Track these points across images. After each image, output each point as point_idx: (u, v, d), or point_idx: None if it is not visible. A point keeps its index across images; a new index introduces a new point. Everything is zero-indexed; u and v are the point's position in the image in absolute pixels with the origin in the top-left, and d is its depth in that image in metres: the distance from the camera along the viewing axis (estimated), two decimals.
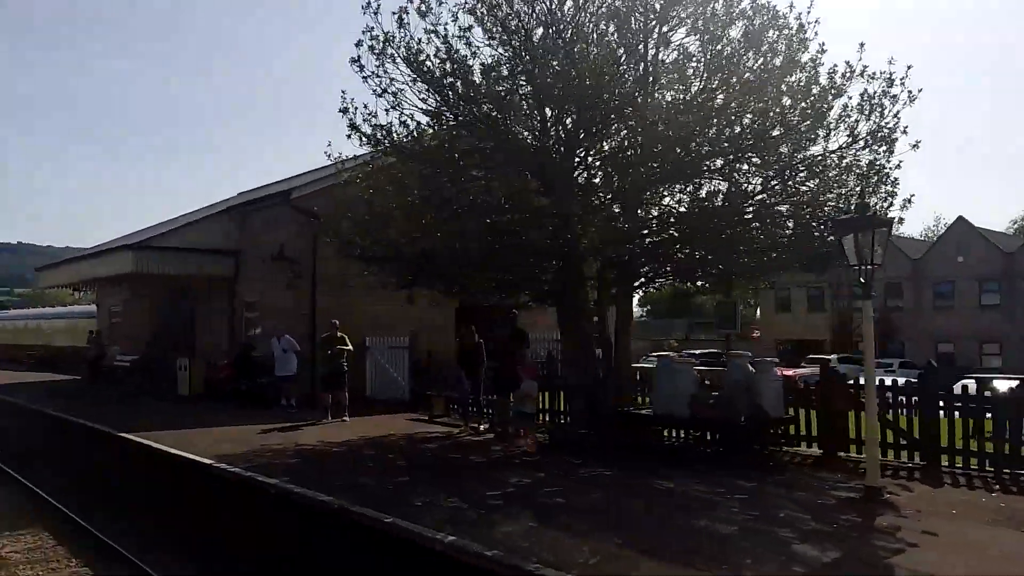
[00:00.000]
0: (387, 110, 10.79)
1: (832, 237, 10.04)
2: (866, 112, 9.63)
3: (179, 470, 10.60)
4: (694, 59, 9.95)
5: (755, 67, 9.76)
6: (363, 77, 10.57)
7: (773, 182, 9.83)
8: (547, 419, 12.81)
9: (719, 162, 9.85)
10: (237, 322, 19.67)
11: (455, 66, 10.35)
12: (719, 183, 10.44)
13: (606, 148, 10.85)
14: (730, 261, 10.49)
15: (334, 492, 8.00)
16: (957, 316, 41.96)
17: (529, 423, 11.14)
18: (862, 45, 9.61)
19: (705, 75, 9.79)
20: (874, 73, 9.66)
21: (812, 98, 9.55)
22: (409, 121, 10.94)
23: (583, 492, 8.04)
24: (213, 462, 9.99)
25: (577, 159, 10.81)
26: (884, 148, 9.80)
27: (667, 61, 10.25)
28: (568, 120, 10.71)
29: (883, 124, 9.61)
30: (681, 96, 9.75)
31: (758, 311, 53.77)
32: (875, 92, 9.61)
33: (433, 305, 19.38)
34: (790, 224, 10.33)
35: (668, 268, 10.93)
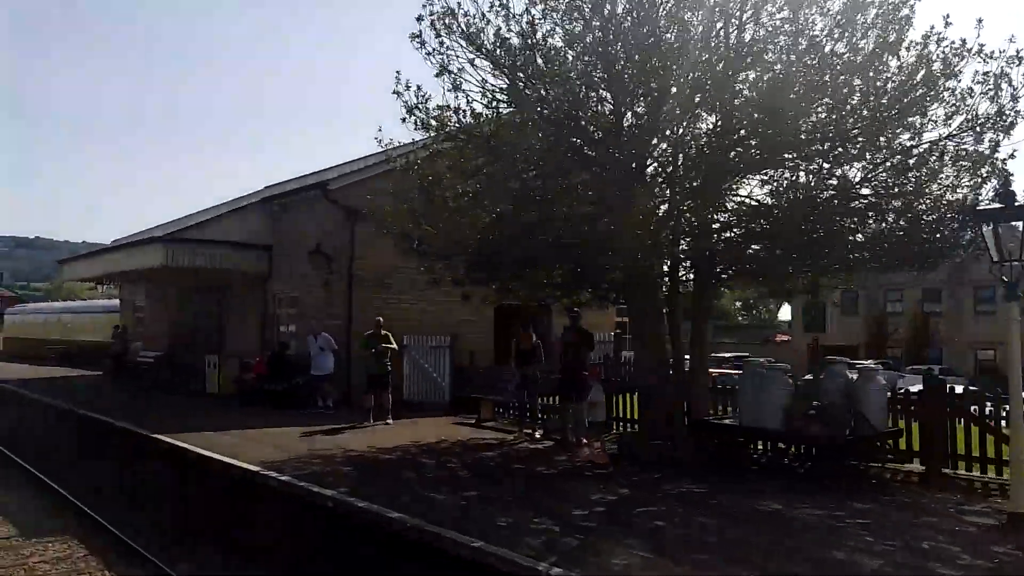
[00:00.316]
0: (448, 90, 9.96)
1: (941, 232, 9.17)
2: (983, 95, 8.69)
3: (219, 476, 9.81)
4: (788, 36, 9.03)
5: (859, 44, 8.84)
6: (425, 54, 9.77)
7: (879, 171, 8.90)
8: (615, 427, 11.95)
9: (819, 148, 8.91)
10: (269, 319, 18.91)
11: (524, 41, 9.52)
12: (811, 172, 9.50)
13: (683, 134, 9.95)
14: (822, 258, 9.57)
15: (402, 508, 7.17)
16: (999, 322, 40.63)
17: (597, 431, 10.26)
18: (980, 21, 8.68)
19: (802, 52, 8.88)
20: (992, 52, 8.73)
21: (922, 78, 8.63)
22: (474, 103, 10.11)
23: (683, 514, 7.16)
24: (259, 469, 9.19)
25: (650, 146, 9.92)
26: (1000, 135, 8.86)
27: (757, 37, 9.33)
28: (641, 106, 9.85)
29: (1003, 108, 8.67)
30: (777, 75, 8.83)
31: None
32: (992, 72, 8.67)
33: (470, 305, 18.65)
34: (890, 218, 9.38)
35: (749, 266, 10.00)
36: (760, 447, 9.69)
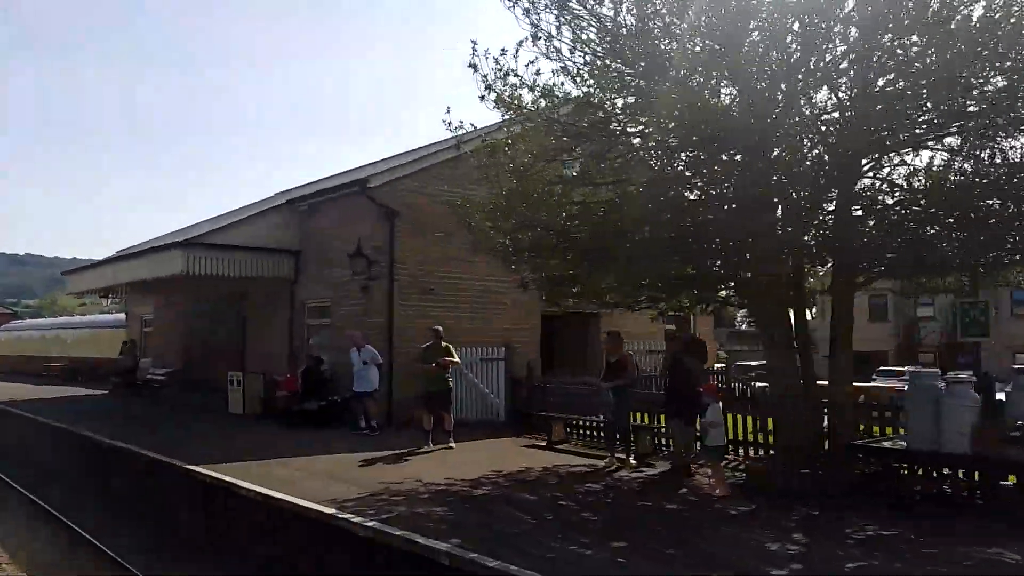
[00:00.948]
0: (548, 56, 8.44)
1: None
2: None
3: (285, 519, 8.21)
4: None
5: None
6: (523, 9, 8.25)
7: None
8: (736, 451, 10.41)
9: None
10: (297, 331, 17.31)
11: (643, 25, 7.99)
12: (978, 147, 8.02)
13: (817, 101, 8.44)
14: (991, 248, 8.07)
15: (544, 568, 5.62)
16: None
17: (717, 457, 8.72)
18: None
19: None
20: None
21: None
22: (573, 77, 8.61)
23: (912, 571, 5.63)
24: (335, 511, 7.61)
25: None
26: None
27: None
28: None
29: None
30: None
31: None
32: None
33: (515, 312, 17.14)
34: None
35: (904, 259, 8.48)
36: (932, 475, 8.12)
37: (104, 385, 27.77)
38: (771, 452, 9.61)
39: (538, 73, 8.56)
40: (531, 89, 8.98)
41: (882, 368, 35.11)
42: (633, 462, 10.36)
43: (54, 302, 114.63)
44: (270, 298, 18.10)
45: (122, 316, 33.85)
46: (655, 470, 10.02)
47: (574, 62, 8.55)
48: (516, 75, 8.83)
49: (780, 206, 8.14)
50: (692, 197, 8.49)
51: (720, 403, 8.90)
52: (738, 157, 8.01)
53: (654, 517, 7.47)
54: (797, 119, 8.42)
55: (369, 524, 7.10)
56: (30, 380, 31.67)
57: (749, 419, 10.04)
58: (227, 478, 9.58)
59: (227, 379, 17.91)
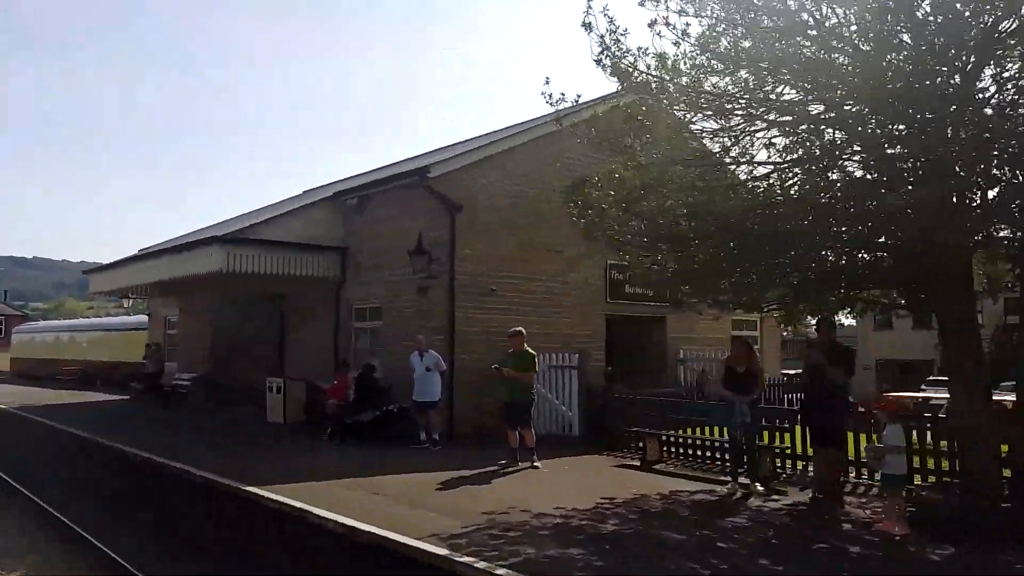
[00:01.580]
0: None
1: None
2: None
3: (373, 560, 6.83)
4: None
5: None
6: None
7: None
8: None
9: None
10: (343, 334, 15.94)
11: None
12: None
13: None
14: None
15: None
16: None
17: (897, 489, 7.29)
18: None
19: None
20: None
21: None
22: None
23: None
24: (448, 552, 6.23)
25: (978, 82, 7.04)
26: None
27: None
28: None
29: None
30: None
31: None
32: None
33: (577, 314, 15.77)
34: None
35: None
36: None
37: (123, 390, 26.50)
38: (945, 480, 8.18)
39: (685, 33, 7.19)
40: (660, 59, 7.66)
41: (931, 378, 33.53)
42: (760, 488, 8.95)
43: (61, 305, 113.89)
44: (313, 299, 16.76)
45: (140, 318, 32.63)
46: (789, 498, 8.61)
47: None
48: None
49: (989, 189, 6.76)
50: (871, 176, 7.10)
51: (900, 424, 7.48)
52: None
53: (846, 564, 6.07)
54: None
55: (499, 573, 5.71)
56: (45, 384, 30.42)
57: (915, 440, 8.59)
58: (296, 503, 8.22)
59: (261, 386, 16.65)
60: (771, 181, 7.27)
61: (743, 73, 7.48)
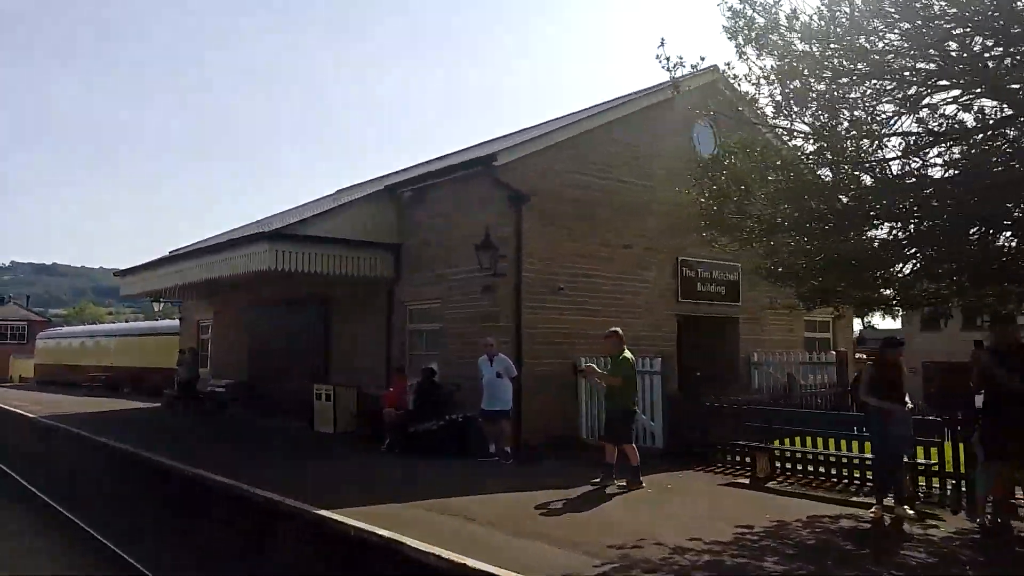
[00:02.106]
0: None
1: None
2: None
3: None
4: None
5: None
6: None
7: None
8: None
9: None
10: (396, 337, 14.84)
11: None
12: None
13: None
14: None
15: None
16: None
17: None
18: None
19: None
20: None
21: None
22: None
23: None
24: None
25: None
26: None
27: None
28: None
29: None
30: None
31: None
32: None
33: (648, 316, 14.61)
34: None
35: None
36: None
37: (152, 397, 25.60)
38: None
39: None
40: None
41: None
42: (910, 512, 7.74)
43: (82, 311, 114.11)
44: (361, 300, 15.68)
45: (169, 322, 31.76)
46: (949, 524, 7.41)
47: None
48: None
49: None
50: None
51: None
52: None
53: None
54: None
55: None
56: (71, 391, 29.57)
57: None
58: (382, 532, 7.09)
59: (304, 393, 15.64)
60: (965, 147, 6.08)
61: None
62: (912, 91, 6.48)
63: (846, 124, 6.49)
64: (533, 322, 12.74)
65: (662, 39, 7.18)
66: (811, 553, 6.41)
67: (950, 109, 6.65)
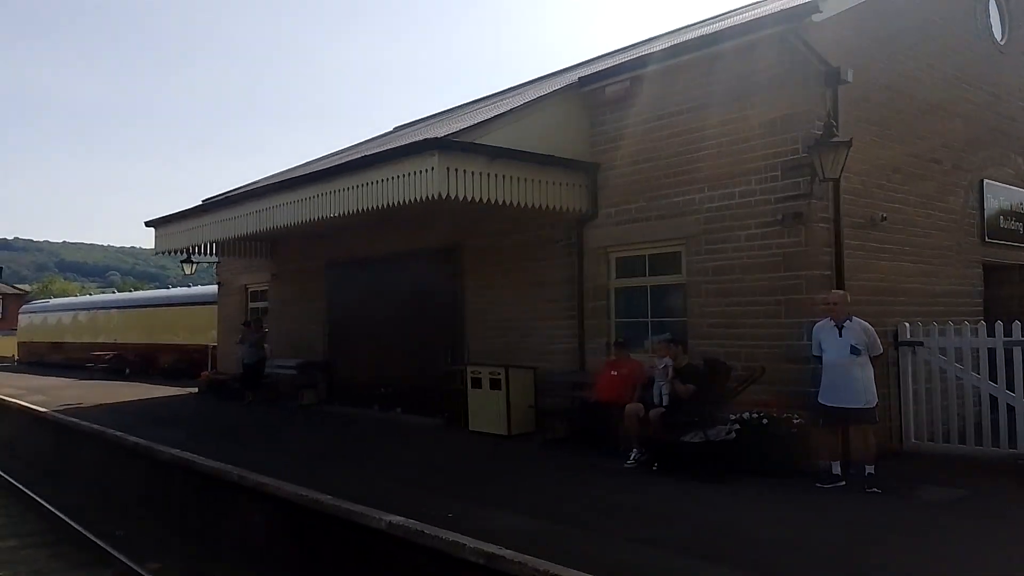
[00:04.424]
0: None
1: None
2: None
3: None
4: None
5: None
6: None
7: None
8: None
9: None
10: (591, 299, 10.41)
11: None
12: None
13: None
14: None
15: None
16: None
17: None
18: None
19: None
20: None
21: None
22: None
23: None
24: None
25: None
26: None
27: None
28: None
29: None
30: None
31: None
32: None
33: (958, 263, 10.36)
34: None
35: None
36: None
37: (174, 381, 21.13)
38: None
39: None
40: None
41: None
42: None
43: (48, 286, 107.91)
44: (523, 247, 11.24)
45: (181, 291, 27.04)
46: None
47: None
48: None
49: None
50: None
51: None
52: None
53: None
54: None
55: None
56: (69, 373, 24.73)
57: None
58: None
59: (420, 377, 11.63)
60: None
61: None
62: None
63: None
64: (852, 270, 8.44)
65: None
66: None
67: None
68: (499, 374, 10.49)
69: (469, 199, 8.99)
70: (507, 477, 8.15)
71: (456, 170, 8.80)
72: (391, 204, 9.15)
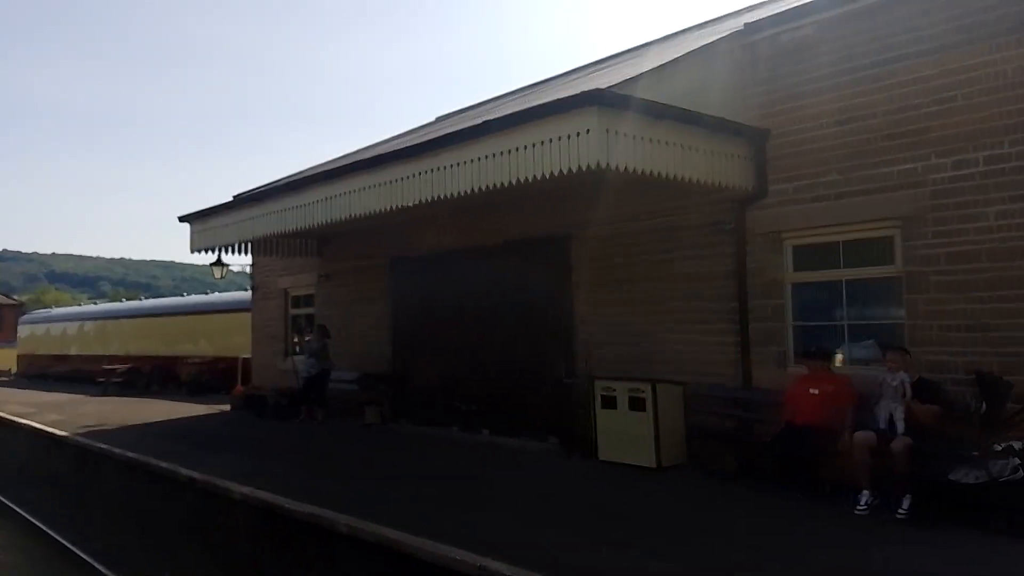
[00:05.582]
0: None
1: None
2: None
3: None
4: None
5: None
6: None
7: None
8: None
9: None
10: (755, 297, 8.42)
11: None
12: None
13: None
14: None
15: None
16: None
17: None
18: None
19: None
20: None
21: None
22: None
23: None
24: None
25: None
26: None
27: None
28: None
29: None
30: None
31: None
32: None
33: None
34: None
35: None
36: None
37: (197, 397, 19.17)
38: None
39: None
40: None
41: None
42: None
43: (40, 296, 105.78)
44: (656, 237, 9.25)
45: (198, 298, 25.01)
46: None
47: None
48: None
49: None
50: None
51: None
52: None
53: None
54: None
55: None
56: (79, 388, 22.63)
57: None
58: None
59: (518, 393, 9.46)
60: None
61: None
62: None
63: None
64: None
65: None
66: None
67: None
68: (643, 392, 8.48)
69: (626, 170, 7.00)
70: (698, 528, 6.18)
71: (617, 133, 6.82)
72: (523, 180, 7.14)
